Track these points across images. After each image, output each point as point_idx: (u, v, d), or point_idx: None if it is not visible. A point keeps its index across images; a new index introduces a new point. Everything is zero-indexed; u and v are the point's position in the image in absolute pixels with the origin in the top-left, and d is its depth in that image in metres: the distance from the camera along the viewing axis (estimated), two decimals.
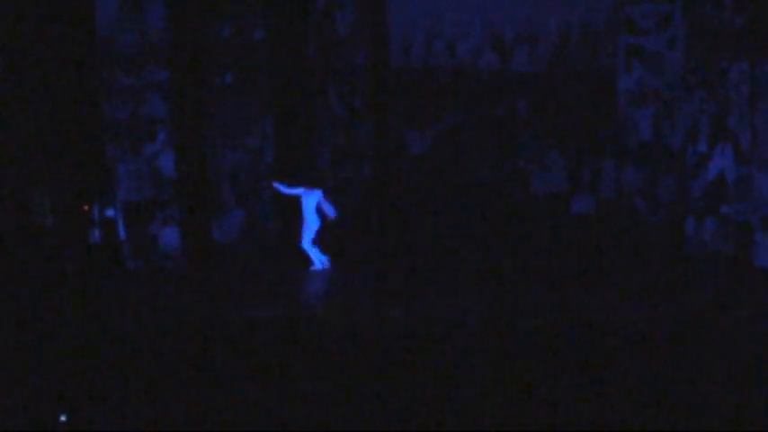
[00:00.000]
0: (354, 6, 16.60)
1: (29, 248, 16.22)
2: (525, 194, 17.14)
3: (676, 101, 15.67)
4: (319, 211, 15.31)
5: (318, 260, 15.36)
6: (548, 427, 7.63)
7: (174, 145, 16.46)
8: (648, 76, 15.73)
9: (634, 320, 10.96)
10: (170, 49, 16.36)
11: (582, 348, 9.90)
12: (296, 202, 15.44)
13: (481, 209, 17.20)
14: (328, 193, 15.53)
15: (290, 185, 15.50)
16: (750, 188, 15.09)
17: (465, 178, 17.24)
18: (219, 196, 16.70)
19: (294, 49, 16.97)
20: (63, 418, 8.10)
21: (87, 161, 16.77)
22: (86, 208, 16.04)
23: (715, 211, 15.49)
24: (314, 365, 9.47)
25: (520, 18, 16.77)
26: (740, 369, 8.93)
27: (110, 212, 15.79)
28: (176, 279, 15.20)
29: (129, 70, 16.30)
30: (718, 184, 15.43)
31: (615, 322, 10.92)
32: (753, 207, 14.95)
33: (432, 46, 17.06)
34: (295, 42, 16.96)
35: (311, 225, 15.31)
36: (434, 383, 8.76)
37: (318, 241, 15.39)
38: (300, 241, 15.42)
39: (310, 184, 15.56)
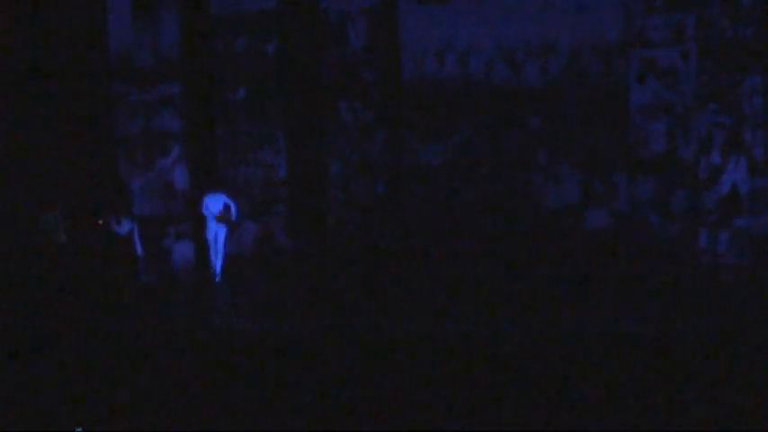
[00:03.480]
0: (367, 20, 16.63)
1: (42, 264, 16.26)
2: (537, 208, 17.10)
3: (689, 113, 15.67)
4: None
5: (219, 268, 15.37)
6: None
7: (187, 159, 16.50)
8: (661, 88, 15.72)
9: (646, 335, 10.93)
10: (183, 64, 16.43)
11: (591, 362, 9.87)
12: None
13: (493, 222, 17.17)
14: (230, 197, 15.56)
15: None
16: (764, 200, 15.08)
17: (477, 192, 17.20)
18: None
19: (307, 62, 17.01)
20: (79, 431, 8.10)
21: (101, 176, 16.82)
22: (101, 222, 16.07)
23: (728, 223, 15.46)
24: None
25: (532, 32, 16.77)
26: (758, 383, 8.90)
27: (124, 227, 15.81)
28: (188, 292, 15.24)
29: (142, 85, 16.38)
30: (732, 197, 15.41)
31: (625, 336, 10.90)
32: (767, 219, 14.93)
33: (444, 60, 17.08)
34: (308, 56, 17.00)
35: (221, 231, 15.35)
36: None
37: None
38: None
39: (212, 188, 15.67)
